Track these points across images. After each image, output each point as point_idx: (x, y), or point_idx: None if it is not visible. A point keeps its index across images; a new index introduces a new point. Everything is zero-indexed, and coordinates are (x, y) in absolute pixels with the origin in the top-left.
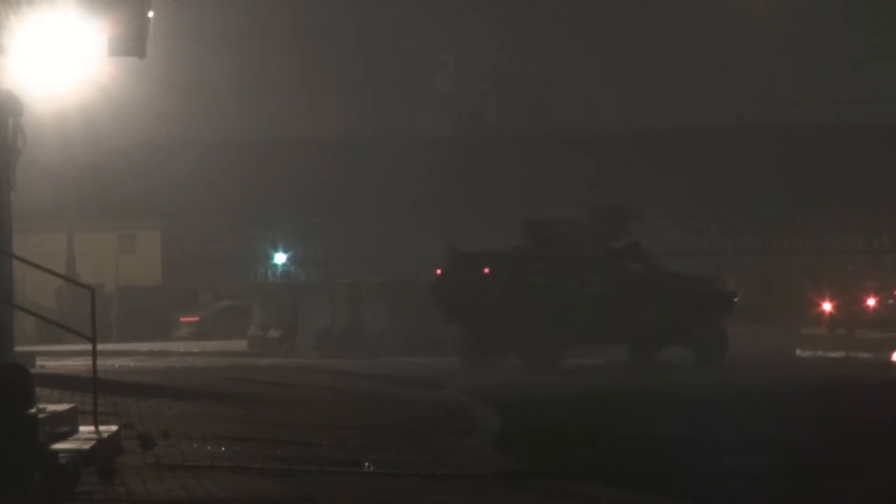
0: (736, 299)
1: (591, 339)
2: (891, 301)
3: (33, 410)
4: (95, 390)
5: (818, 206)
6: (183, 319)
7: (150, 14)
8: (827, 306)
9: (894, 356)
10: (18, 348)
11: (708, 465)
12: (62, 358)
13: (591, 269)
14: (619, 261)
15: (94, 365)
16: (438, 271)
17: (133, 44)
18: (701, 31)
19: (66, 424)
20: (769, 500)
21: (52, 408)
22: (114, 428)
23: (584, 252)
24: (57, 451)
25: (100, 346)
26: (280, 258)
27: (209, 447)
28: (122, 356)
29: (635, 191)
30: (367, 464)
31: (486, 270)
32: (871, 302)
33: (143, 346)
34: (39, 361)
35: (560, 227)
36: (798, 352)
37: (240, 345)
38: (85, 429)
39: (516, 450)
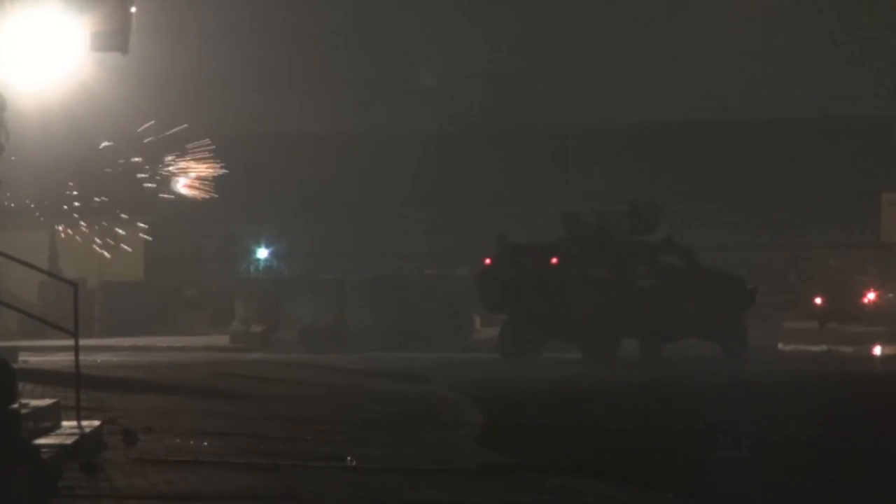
0: (757, 295)
1: (640, 331)
2: (891, 295)
3: (16, 406)
4: (78, 385)
5: (801, 200)
6: None
7: (133, 9)
8: (818, 300)
9: (875, 350)
10: (1, 343)
11: (694, 459)
12: (45, 353)
13: (639, 262)
14: (660, 254)
15: (77, 360)
16: (487, 261)
17: (116, 39)
18: (687, 27)
19: (48, 420)
20: (755, 495)
21: (34, 403)
22: (97, 423)
23: (630, 245)
24: (40, 447)
25: (83, 342)
26: (263, 253)
27: (192, 442)
28: (106, 351)
29: (622, 186)
30: (349, 458)
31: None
32: (871, 296)
33: (127, 342)
34: (22, 357)
35: (604, 220)
36: (780, 346)
37: (222, 340)
38: (68, 424)
39: (500, 445)
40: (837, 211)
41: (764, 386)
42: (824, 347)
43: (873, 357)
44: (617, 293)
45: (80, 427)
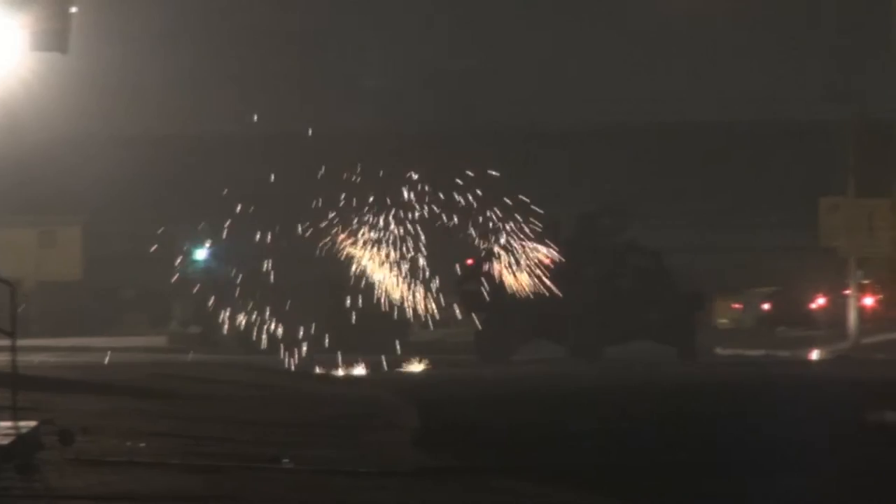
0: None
1: (620, 330)
2: (839, 300)
3: None
4: (15, 386)
5: (746, 204)
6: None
7: (73, 9)
8: (766, 306)
9: (812, 354)
10: None
11: (631, 461)
12: None
13: (616, 264)
14: (629, 256)
15: (14, 360)
16: (469, 261)
17: (55, 38)
18: (639, 32)
19: None
20: (689, 495)
21: None
22: (33, 423)
23: (607, 247)
24: None
25: (21, 342)
26: (201, 254)
27: (129, 443)
28: (43, 352)
29: (567, 187)
30: (286, 460)
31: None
32: (820, 301)
33: (66, 342)
34: None
35: (585, 223)
36: (718, 350)
37: (160, 340)
38: (4, 424)
39: (438, 447)
40: (782, 215)
41: (719, 387)
42: (762, 352)
43: (810, 361)
44: (604, 293)
45: (16, 427)
